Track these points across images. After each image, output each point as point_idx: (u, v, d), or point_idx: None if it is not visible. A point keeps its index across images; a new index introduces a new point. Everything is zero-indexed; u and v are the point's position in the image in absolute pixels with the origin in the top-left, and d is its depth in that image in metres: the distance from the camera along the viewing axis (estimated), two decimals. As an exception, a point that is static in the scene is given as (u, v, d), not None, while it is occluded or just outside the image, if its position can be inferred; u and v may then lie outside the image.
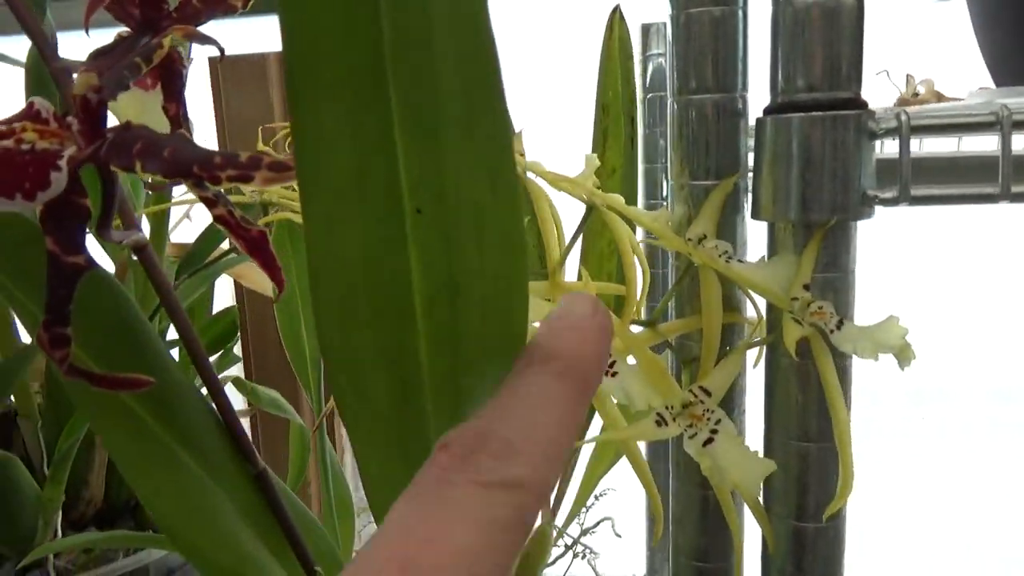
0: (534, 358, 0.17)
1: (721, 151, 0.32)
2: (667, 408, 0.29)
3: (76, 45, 0.24)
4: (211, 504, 0.26)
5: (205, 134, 0.72)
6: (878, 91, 0.54)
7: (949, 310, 0.99)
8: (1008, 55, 0.44)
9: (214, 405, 0.26)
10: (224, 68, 0.68)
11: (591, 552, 0.48)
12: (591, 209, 0.33)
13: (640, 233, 0.36)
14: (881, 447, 0.92)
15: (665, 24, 0.33)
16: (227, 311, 0.68)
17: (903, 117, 0.28)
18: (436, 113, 0.16)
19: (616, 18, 0.44)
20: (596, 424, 0.37)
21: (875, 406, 0.95)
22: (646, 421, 0.29)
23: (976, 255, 0.97)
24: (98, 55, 0.23)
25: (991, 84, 0.47)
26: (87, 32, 0.24)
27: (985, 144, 0.31)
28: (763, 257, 0.32)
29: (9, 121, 0.19)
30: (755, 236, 0.33)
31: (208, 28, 0.24)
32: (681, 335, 0.33)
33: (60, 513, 0.53)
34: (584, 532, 0.47)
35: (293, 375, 0.52)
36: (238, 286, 0.73)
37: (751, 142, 0.31)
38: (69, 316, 0.20)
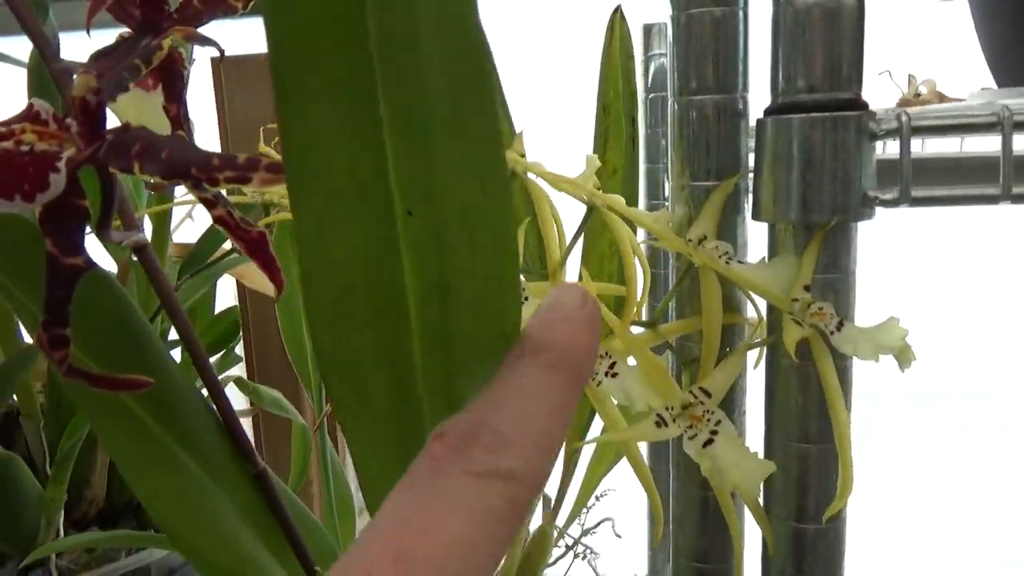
0: (525, 350, 0.17)
1: (722, 152, 0.32)
2: (667, 409, 0.29)
3: (79, 45, 0.24)
4: (211, 505, 0.26)
5: (208, 134, 0.72)
6: (880, 91, 0.54)
7: (951, 311, 0.99)
8: (1008, 47, 0.44)
9: (214, 406, 0.26)
10: (226, 68, 0.68)
11: (592, 552, 0.48)
12: (592, 210, 0.33)
13: (641, 234, 0.36)
14: (882, 448, 0.92)
15: (667, 24, 0.33)
16: (229, 311, 0.68)
17: (904, 118, 0.28)
18: (424, 113, 0.16)
19: (617, 18, 0.44)
20: (597, 425, 0.37)
21: (876, 407, 0.95)
22: (646, 422, 0.29)
23: (977, 256, 0.96)
24: (99, 56, 0.23)
25: (993, 85, 0.47)
26: (88, 33, 0.24)
27: (988, 144, 0.31)
28: (764, 258, 0.32)
29: (9, 123, 0.19)
30: (756, 237, 0.33)
31: (210, 28, 0.24)
32: (681, 336, 0.33)
33: (62, 512, 0.53)
34: (585, 532, 0.47)
35: (295, 375, 0.52)
36: (240, 286, 0.74)
37: (752, 143, 0.31)
38: (68, 317, 0.20)
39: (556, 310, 0.17)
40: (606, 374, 0.30)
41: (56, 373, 0.20)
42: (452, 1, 0.16)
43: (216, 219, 0.22)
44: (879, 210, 0.30)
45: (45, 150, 0.18)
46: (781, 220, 0.30)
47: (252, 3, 0.25)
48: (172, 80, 0.25)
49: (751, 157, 0.32)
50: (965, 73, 0.53)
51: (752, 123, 0.31)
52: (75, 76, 0.19)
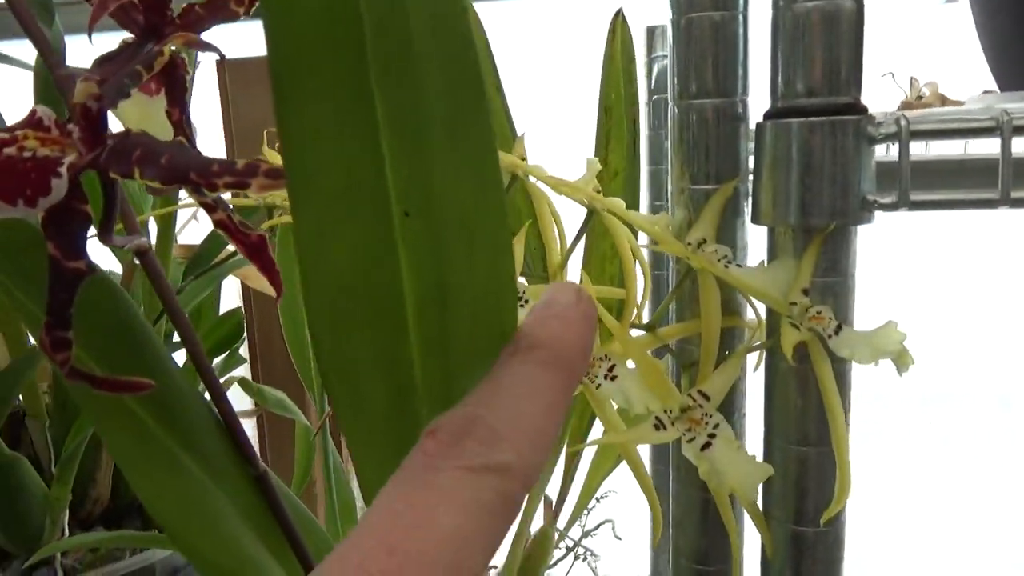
0: (520, 346, 0.17)
1: (721, 155, 0.32)
2: (666, 412, 0.29)
3: (86, 48, 0.24)
4: (212, 507, 0.26)
5: (213, 135, 0.73)
6: (883, 93, 0.54)
7: (955, 314, 0.98)
8: (1009, 49, 0.44)
9: (215, 409, 0.27)
10: (231, 70, 0.69)
11: (592, 554, 0.48)
12: (592, 213, 0.33)
13: (643, 237, 0.36)
14: (888, 450, 0.92)
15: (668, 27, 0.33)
16: (233, 312, 0.69)
17: (902, 122, 0.28)
18: (421, 116, 0.16)
19: (619, 21, 0.44)
20: (598, 427, 0.37)
21: (882, 409, 0.95)
22: (644, 425, 0.29)
23: (979, 258, 0.96)
24: (102, 62, 0.23)
25: (996, 87, 0.47)
26: (90, 39, 0.24)
27: (992, 147, 0.31)
28: (763, 262, 0.32)
29: (12, 129, 0.19)
30: (756, 240, 0.33)
31: (215, 30, 0.24)
32: (681, 339, 0.33)
33: (67, 512, 0.53)
34: (585, 534, 0.47)
35: (299, 376, 0.52)
36: (245, 287, 0.74)
37: (751, 146, 0.31)
38: (70, 320, 0.20)
39: (550, 307, 0.18)
40: (605, 377, 0.30)
41: (61, 375, 0.21)
42: (445, 3, 0.16)
43: (216, 223, 0.23)
44: (879, 214, 0.30)
45: (47, 156, 0.19)
46: (780, 224, 0.30)
47: (254, 7, 0.25)
48: (174, 85, 0.25)
49: (751, 161, 0.32)
50: (969, 75, 0.53)
51: (752, 127, 0.31)
52: (77, 82, 0.20)
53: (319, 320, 0.17)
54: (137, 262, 0.25)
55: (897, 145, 0.29)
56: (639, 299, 0.33)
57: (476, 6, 0.39)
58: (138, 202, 0.56)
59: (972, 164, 0.33)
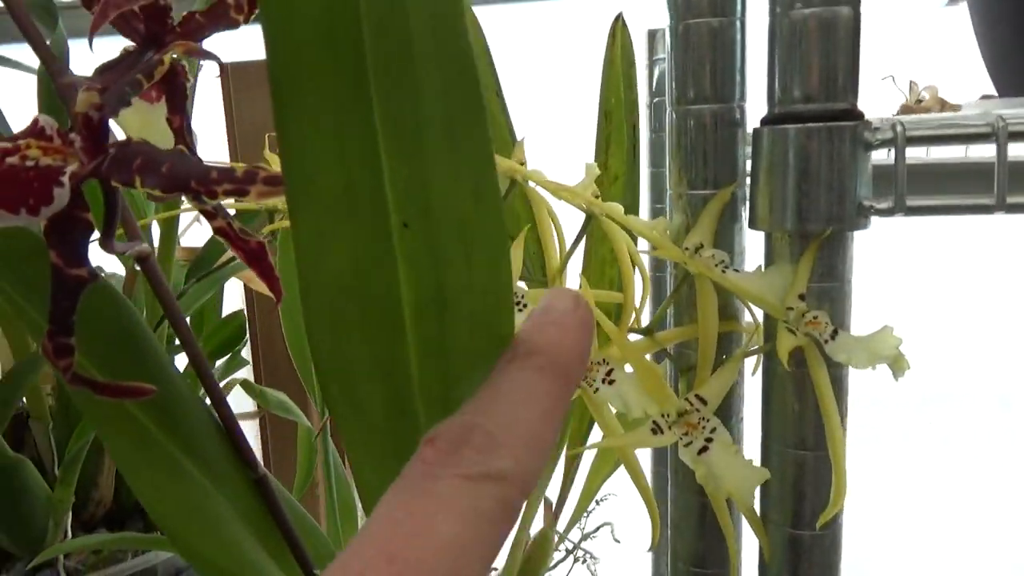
0: (517, 353, 0.17)
1: (719, 161, 0.32)
2: (663, 416, 0.29)
3: (89, 52, 0.25)
4: (213, 510, 0.26)
5: (216, 140, 0.73)
6: (883, 97, 0.54)
7: (955, 314, 0.98)
8: (1008, 54, 0.44)
9: (216, 413, 0.27)
10: (234, 73, 0.69)
11: (592, 557, 0.48)
12: (591, 217, 0.34)
13: (643, 241, 0.37)
14: (888, 451, 0.92)
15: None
16: (236, 314, 0.69)
17: (899, 128, 0.29)
18: (418, 118, 0.16)
19: (619, 25, 0.44)
20: (597, 431, 0.38)
21: (881, 411, 0.95)
22: (642, 429, 0.29)
23: (977, 262, 0.96)
24: (103, 70, 0.23)
25: (994, 92, 0.47)
26: (91, 47, 0.24)
27: (990, 151, 0.31)
28: (760, 266, 0.32)
29: (15, 138, 0.19)
30: (754, 245, 0.33)
31: (218, 34, 0.25)
32: (679, 343, 0.33)
33: (70, 514, 0.53)
34: (585, 537, 0.47)
35: (300, 378, 0.52)
36: (248, 289, 0.74)
37: (749, 152, 0.32)
38: (73, 327, 0.20)
39: (548, 314, 0.18)
40: (603, 381, 0.30)
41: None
42: (444, 13, 0.16)
43: (216, 230, 0.23)
44: (875, 218, 0.30)
45: (50, 165, 0.19)
46: (777, 229, 0.30)
47: (254, 15, 0.25)
48: (175, 93, 0.26)
49: (748, 166, 0.32)
50: (969, 79, 0.53)
51: (749, 132, 0.32)
52: (79, 92, 0.20)
53: (318, 324, 0.17)
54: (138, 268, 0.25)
55: (893, 150, 0.29)
56: (637, 303, 0.34)
57: (476, 10, 0.39)
58: (141, 206, 0.56)
59: (968, 169, 0.33)
